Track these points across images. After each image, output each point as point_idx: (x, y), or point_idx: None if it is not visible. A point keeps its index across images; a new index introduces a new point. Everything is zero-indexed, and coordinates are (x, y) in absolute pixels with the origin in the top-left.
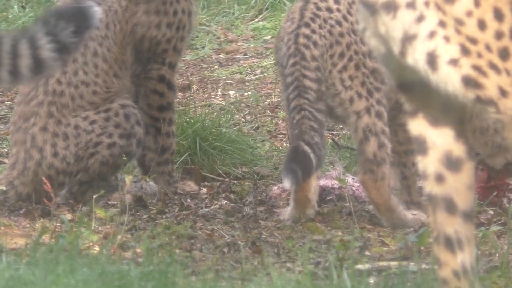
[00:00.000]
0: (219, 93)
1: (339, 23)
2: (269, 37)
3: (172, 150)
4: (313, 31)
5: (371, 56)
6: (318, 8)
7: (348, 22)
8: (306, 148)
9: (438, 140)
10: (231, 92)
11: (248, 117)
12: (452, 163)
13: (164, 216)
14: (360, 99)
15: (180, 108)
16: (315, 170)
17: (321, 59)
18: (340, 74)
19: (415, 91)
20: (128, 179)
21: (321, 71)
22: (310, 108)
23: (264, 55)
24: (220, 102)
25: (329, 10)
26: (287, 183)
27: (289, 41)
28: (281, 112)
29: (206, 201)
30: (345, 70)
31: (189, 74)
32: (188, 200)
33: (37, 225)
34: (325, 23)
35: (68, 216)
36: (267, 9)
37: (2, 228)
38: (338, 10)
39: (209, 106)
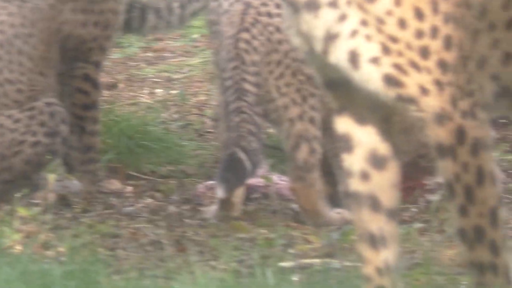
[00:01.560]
0: (146, 91)
1: (278, 29)
2: (197, 35)
3: (96, 149)
4: (254, 37)
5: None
6: (259, 13)
7: None
8: (242, 155)
9: (363, 138)
10: (158, 91)
11: (175, 116)
12: (377, 161)
13: (87, 215)
14: (294, 106)
15: (107, 106)
16: (249, 177)
17: (260, 64)
18: (276, 81)
19: (340, 89)
20: (51, 177)
21: (259, 76)
22: (249, 111)
23: (191, 53)
24: (147, 101)
25: (269, 15)
26: (220, 192)
27: (229, 45)
28: (208, 110)
29: (131, 199)
30: (282, 77)
31: (116, 72)
32: (112, 198)
33: None
34: (264, 29)
35: None
36: None
37: None
38: (279, 15)
39: (136, 104)
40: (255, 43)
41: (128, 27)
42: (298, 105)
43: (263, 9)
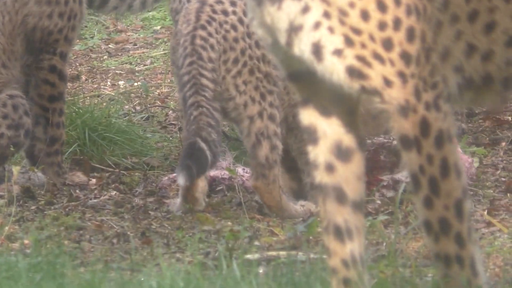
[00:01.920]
0: (109, 83)
1: (234, 27)
2: (158, 27)
3: (62, 141)
4: (210, 34)
5: (265, 60)
6: (214, 11)
7: (244, 25)
8: (203, 144)
9: (328, 130)
10: (121, 83)
11: (138, 108)
12: (342, 153)
13: (52, 207)
14: (254, 104)
15: (69, 98)
16: (210, 167)
17: (216, 62)
18: (234, 80)
19: (304, 81)
20: (15, 169)
21: (216, 73)
22: (208, 105)
23: (154, 45)
24: (110, 93)
25: (225, 13)
26: (181, 180)
27: (185, 42)
28: (172, 102)
29: (95, 192)
30: (239, 75)
31: (78, 64)
32: (77, 191)
33: None
34: (220, 28)
35: None
36: None
37: None
38: (234, 12)
39: (98, 96)
40: (211, 40)
41: (90, 4)
42: (257, 103)
43: (218, 7)
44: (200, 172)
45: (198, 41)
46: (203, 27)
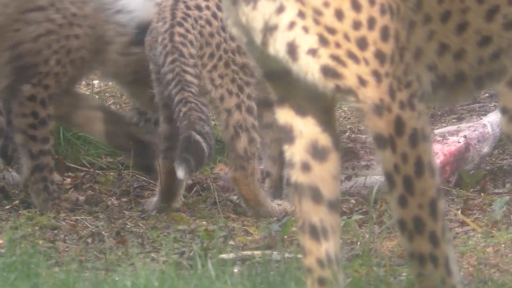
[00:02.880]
0: (83, 82)
1: (208, 22)
2: None
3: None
4: (187, 31)
5: (240, 52)
6: (188, 7)
7: (218, 19)
8: (198, 137)
9: (304, 129)
10: (95, 82)
11: (113, 107)
12: (318, 152)
13: (26, 207)
14: (231, 97)
15: None
16: (208, 159)
17: (196, 57)
18: (210, 74)
19: (280, 80)
20: None
21: (197, 68)
22: (195, 101)
23: None
24: (84, 92)
25: (199, 8)
26: (180, 173)
27: (164, 39)
28: None
29: (70, 191)
30: (215, 69)
31: None
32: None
33: None
34: (196, 23)
35: None
36: None
37: None
38: (208, 7)
39: None
40: (190, 36)
41: None
42: (235, 95)
43: (191, 3)
44: (199, 165)
45: (177, 38)
46: (180, 24)
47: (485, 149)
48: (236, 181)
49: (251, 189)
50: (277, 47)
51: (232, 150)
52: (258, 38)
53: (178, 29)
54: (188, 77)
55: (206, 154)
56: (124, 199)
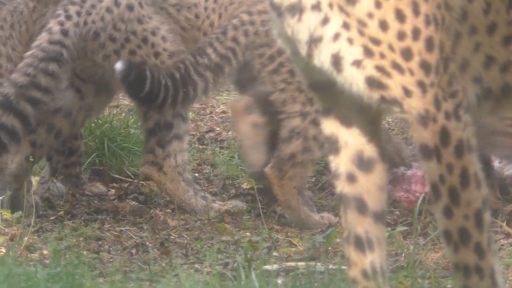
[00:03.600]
0: None
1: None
2: None
3: (80, 152)
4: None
5: None
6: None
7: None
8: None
9: (350, 140)
10: None
11: None
12: (363, 163)
13: (71, 218)
14: (294, 103)
15: None
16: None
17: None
18: (270, 76)
19: (325, 90)
20: (35, 180)
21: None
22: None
23: None
24: (129, 103)
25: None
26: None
27: None
28: (190, 113)
29: (115, 201)
30: (276, 73)
31: None
32: (96, 201)
33: None
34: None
35: None
36: None
37: None
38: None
39: (117, 107)
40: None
41: None
42: (300, 103)
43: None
44: (133, 85)
45: None
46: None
47: None
48: (268, 176)
49: (284, 191)
50: (322, 58)
51: (278, 150)
52: (303, 50)
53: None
54: None
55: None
56: (168, 210)
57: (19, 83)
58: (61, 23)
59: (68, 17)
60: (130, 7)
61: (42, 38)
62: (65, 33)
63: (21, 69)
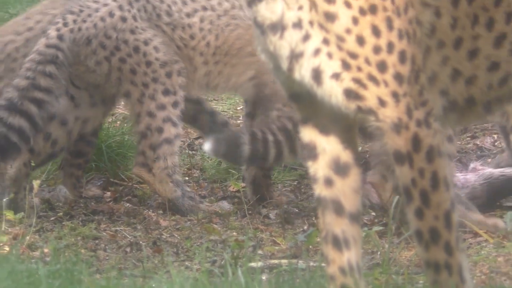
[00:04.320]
0: (122, 103)
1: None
2: None
3: (87, 158)
4: None
5: None
6: None
7: None
8: (246, 138)
9: (327, 147)
10: None
11: None
12: (340, 168)
13: (70, 218)
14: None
15: None
16: (247, 162)
17: None
18: None
19: (304, 101)
20: (36, 183)
21: None
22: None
23: None
24: (123, 112)
25: None
26: (207, 146)
27: None
28: None
29: (110, 203)
30: None
31: None
32: (93, 203)
33: None
34: None
35: None
36: None
37: None
38: None
39: (113, 115)
40: None
41: None
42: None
43: None
44: (228, 156)
45: None
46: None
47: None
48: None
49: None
50: (303, 72)
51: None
52: (284, 65)
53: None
54: None
55: (241, 153)
56: (160, 211)
57: (21, 86)
58: (58, 29)
59: (65, 24)
60: (123, 18)
61: (40, 43)
62: (60, 37)
63: (21, 74)
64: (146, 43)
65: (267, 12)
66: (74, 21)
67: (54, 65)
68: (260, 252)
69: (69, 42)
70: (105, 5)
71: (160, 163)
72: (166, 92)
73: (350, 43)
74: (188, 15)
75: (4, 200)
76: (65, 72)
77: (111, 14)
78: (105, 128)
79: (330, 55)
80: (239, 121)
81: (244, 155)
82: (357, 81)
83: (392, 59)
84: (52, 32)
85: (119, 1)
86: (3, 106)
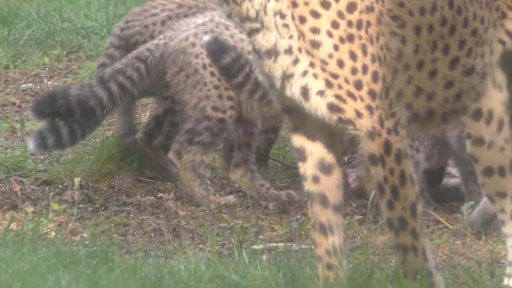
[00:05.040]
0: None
1: None
2: None
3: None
4: None
5: None
6: None
7: None
8: None
9: (314, 150)
10: None
11: None
12: (325, 168)
13: (105, 209)
14: None
15: None
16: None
17: None
18: None
19: (294, 113)
20: (76, 180)
21: None
22: None
23: None
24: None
25: None
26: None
27: None
28: None
29: (138, 196)
30: None
31: None
32: (124, 196)
33: (7, 216)
34: None
35: (31, 208)
36: None
37: None
38: None
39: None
40: None
41: None
42: None
43: None
44: None
45: None
46: None
47: None
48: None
49: None
50: (293, 90)
51: None
52: (277, 83)
53: None
54: None
55: None
56: (179, 203)
57: (115, 69)
58: (159, 39)
59: (164, 37)
60: (193, 44)
61: (144, 46)
62: (156, 45)
63: (120, 60)
64: (204, 67)
65: (263, 41)
66: (170, 37)
67: (144, 65)
68: (261, 237)
69: (159, 52)
70: (185, 30)
71: (190, 156)
72: (214, 109)
73: (332, 66)
74: None
75: (51, 193)
76: (148, 75)
77: (186, 39)
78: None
79: (315, 76)
80: None
81: (225, 61)
82: (338, 97)
83: (366, 79)
84: (155, 41)
85: (196, 29)
86: (98, 77)
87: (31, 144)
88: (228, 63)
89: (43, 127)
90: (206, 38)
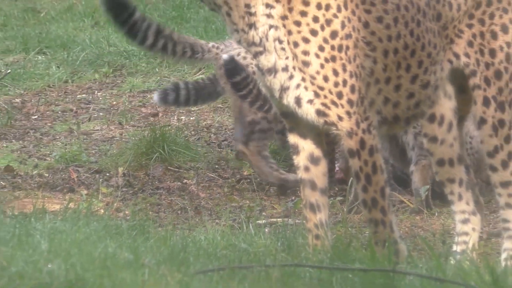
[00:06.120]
0: (175, 118)
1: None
2: None
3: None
4: None
5: None
6: None
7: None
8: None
9: (305, 146)
10: (182, 117)
11: (193, 132)
12: (314, 160)
13: (142, 192)
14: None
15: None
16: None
17: None
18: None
19: (290, 117)
20: (120, 169)
21: None
22: None
23: None
24: (177, 124)
25: None
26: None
27: None
28: (213, 129)
29: (168, 182)
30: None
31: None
32: (157, 182)
33: (66, 197)
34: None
35: (85, 191)
36: None
37: (46, 198)
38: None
39: (168, 126)
40: None
41: None
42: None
43: None
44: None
45: None
46: None
47: None
48: None
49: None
50: (289, 100)
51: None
52: (277, 94)
53: None
54: None
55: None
56: (200, 187)
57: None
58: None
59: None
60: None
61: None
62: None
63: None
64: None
65: (265, 61)
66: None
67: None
68: (264, 213)
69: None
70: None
71: (254, 143)
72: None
73: (319, 80)
74: None
75: (101, 179)
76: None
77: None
78: (162, 133)
79: (306, 88)
80: None
81: (236, 78)
82: (324, 104)
83: (346, 90)
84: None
85: None
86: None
87: (156, 97)
88: (238, 81)
89: (168, 86)
90: (225, 56)
